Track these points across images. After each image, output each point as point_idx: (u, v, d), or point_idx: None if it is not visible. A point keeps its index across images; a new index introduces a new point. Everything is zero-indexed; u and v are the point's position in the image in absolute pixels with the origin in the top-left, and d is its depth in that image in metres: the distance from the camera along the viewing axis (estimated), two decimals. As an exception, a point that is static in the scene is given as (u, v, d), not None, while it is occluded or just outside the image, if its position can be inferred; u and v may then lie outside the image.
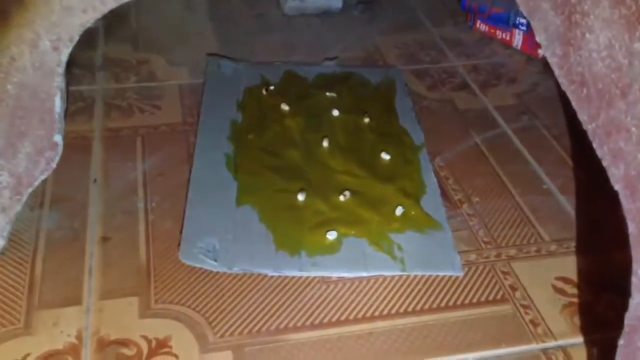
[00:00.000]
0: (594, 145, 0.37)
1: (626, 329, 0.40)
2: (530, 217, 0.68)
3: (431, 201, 0.68)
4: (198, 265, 0.60)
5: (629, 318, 0.40)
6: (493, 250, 0.63)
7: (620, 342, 0.41)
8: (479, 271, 0.61)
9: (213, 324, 0.55)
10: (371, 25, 1.01)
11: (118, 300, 0.57)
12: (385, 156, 0.73)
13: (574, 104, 0.38)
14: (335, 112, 0.79)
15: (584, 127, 0.38)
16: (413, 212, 0.66)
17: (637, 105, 0.34)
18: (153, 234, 0.63)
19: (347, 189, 0.68)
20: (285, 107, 0.80)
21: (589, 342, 0.54)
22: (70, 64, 0.64)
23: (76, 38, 0.52)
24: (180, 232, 0.62)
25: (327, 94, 0.83)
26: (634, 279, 0.38)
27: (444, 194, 0.70)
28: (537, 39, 0.41)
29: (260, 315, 0.56)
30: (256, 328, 0.55)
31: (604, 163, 0.37)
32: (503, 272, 0.61)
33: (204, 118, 0.78)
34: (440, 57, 0.95)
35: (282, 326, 0.55)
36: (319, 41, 0.96)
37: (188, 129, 0.77)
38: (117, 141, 0.75)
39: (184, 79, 0.87)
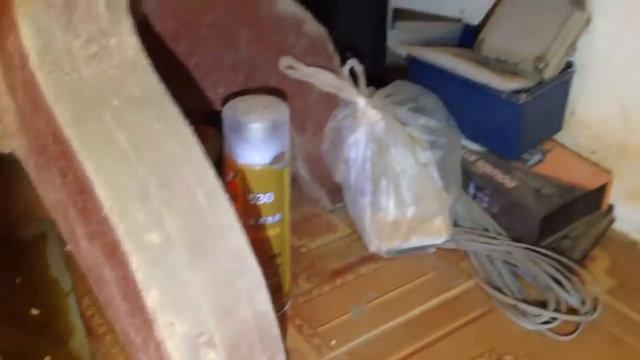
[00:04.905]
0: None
1: None
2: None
3: (77, 340, 0.81)
4: None
5: None
6: (130, 369, 0.78)
7: None
8: (118, 391, 0.75)
9: None
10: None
11: None
12: (35, 311, 0.84)
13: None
14: (-11, 280, 0.88)
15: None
16: (61, 356, 0.78)
17: (103, 285, 0.51)
18: None
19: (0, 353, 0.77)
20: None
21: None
22: None
23: None
24: None
25: (-19, 262, 0.91)
26: None
27: (90, 331, 0.83)
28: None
29: None
30: None
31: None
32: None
33: None
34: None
35: None
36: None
37: None
38: None
39: None
